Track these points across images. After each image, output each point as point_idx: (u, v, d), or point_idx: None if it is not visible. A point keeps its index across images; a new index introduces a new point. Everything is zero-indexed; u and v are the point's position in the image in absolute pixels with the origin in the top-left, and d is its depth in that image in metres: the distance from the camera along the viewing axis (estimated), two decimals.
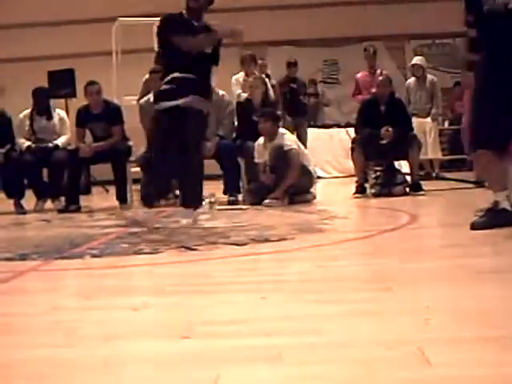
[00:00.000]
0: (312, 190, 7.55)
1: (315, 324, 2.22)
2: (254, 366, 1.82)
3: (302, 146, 7.67)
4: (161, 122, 5.69)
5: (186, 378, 1.76)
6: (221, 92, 8.19)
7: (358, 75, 10.60)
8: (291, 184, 7.21)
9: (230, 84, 9.41)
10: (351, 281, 3.04)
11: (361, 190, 7.90)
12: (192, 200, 5.82)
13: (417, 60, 10.70)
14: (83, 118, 8.21)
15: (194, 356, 1.94)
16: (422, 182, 8.07)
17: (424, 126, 10.25)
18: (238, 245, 4.24)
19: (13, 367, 1.94)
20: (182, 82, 5.59)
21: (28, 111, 8.58)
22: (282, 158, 7.20)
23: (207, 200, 7.46)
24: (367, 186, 7.97)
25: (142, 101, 8.41)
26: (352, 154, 8.19)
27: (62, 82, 12.12)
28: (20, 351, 2.10)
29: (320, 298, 2.61)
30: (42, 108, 8.55)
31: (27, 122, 8.51)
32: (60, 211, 7.75)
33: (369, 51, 10.58)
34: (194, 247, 4.20)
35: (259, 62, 10.38)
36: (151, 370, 1.84)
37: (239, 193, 7.86)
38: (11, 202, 8.25)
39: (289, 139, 7.45)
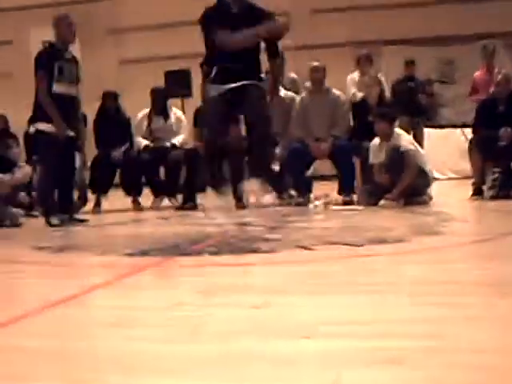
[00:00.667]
0: (428, 191, 7.45)
1: (435, 327, 2.19)
2: (374, 368, 1.81)
3: (418, 147, 7.57)
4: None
5: (305, 377, 1.77)
6: (337, 92, 8.18)
7: (476, 74, 10.38)
8: (407, 185, 7.13)
9: (345, 83, 9.37)
10: (470, 285, 2.98)
11: (478, 191, 7.75)
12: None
13: None
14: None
15: (313, 356, 1.95)
16: None
17: None
18: (354, 245, 4.22)
19: (134, 359, 2.00)
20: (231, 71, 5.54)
21: (146, 111, 8.78)
22: (398, 159, 7.13)
23: (322, 200, 7.49)
24: (485, 187, 7.80)
25: None
26: (469, 155, 8.04)
27: (178, 82, 12.36)
28: (142, 344, 2.15)
29: (439, 301, 2.58)
30: (159, 108, 8.75)
31: (145, 122, 8.72)
32: (177, 209, 7.92)
33: (487, 49, 10.34)
34: (311, 247, 4.21)
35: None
36: (271, 368, 1.85)
37: (354, 193, 7.83)
38: (129, 199, 8.48)
39: (405, 140, 7.37)
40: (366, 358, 1.89)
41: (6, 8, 16.32)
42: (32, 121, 6.71)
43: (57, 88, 6.58)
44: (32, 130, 6.68)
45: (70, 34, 6.82)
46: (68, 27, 6.80)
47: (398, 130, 7.51)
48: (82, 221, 6.77)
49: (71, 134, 6.71)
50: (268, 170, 5.65)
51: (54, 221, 6.54)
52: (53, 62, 6.61)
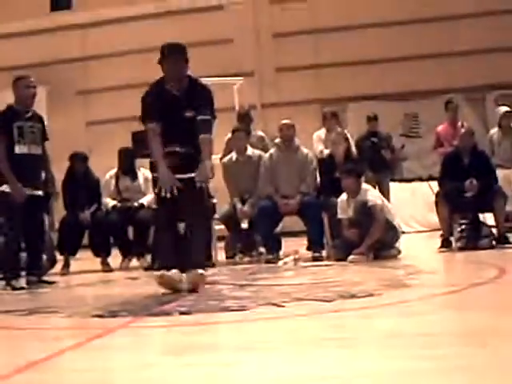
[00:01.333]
0: (397, 245, 7.48)
1: (410, 381, 2.18)
2: None
3: (385, 201, 7.62)
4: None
5: None
6: (305, 150, 8.23)
7: (439, 128, 10.49)
8: (376, 239, 7.15)
9: (312, 140, 9.45)
10: (443, 336, 2.98)
11: (446, 243, 7.79)
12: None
13: (507, 109, 10.36)
14: None
15: None
16: (509, 235, 7.91)
17: (509, 177, 10.06)
18: (325, 301, 4.22)
19: None
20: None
21: (114, 171, 8.76)
22: (366, 214, 7.16)
23: (291, 257, 7.49)
24: (452, 239, 7.85)
25: (225, 159, 8.52)
26: (436, 208, 8.10)
27: (145, 142, 12.34)
28: None
29: (413, 354, 2.57)
30: (126, 168, 8.72)
31: (113, 182, 8.69)
32: (146, 269, 7.86)
33: (452, 105, 10.47)
34: (282, 304, 4.20)
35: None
36: None
37: (323, 249, 7.84)
38: (98, 260, 8.42)
39: (372, 195, 7.41)
40: None
41: None
42: None
43: (18, 149, 6.49)
44: None
45: (29, 96, 6.69)
46: (26, 89, 6.69)
47: (365, 186, 7.56)
48: (51, 283, 6.69)
49: (38, 193, 6.63)
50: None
51: (18, 284, 6.42)
52: (11, 123, 6.51)
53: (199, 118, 5.42)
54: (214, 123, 5.57)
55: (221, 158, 8.76)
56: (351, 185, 7.37)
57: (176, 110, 5.43)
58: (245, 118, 9.17)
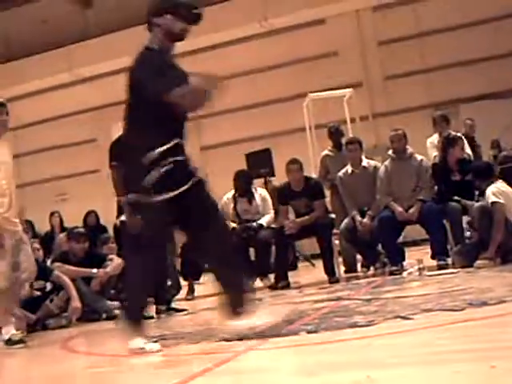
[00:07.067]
0: None
1: None
2: None
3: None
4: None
5: None
6: (419, 157, 8.07)
7: None
8: (501, 242, 6.90)
9: (426, 147, 9.29)
10: None
11: None
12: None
13: None
14: (285, 196, 8.37)
15: None
16: None
17: None
18: (454, 310, 4.10)
19: None
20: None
21: (231, 194, 8.82)
22: (487, 215, 6.93)
23: (416, 267, 7.33)
24: None
25: (340, 173, 8.47)
26: None
27: (259, 162, 12.51)
28: None
29: None
30: (243, 190, 8.77)
31: (231, 205, 8.75)
32: (270, 288, 7.87)
33: None
34: (410, 316, 4.09)
35: (468, 122, 10.60)
36: None
37: (448, 256, 7.64)
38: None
39: (492, 192, 7.09)
40: None
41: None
42: (119, 213, 6.62)
43: None
44: (117, 222, 6.63)
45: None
46: None
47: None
48: (180, 310, 6.78)
49: None
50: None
51: (147, 313, 6.40)
52: None
53: None
54: None
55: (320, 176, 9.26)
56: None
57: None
58: (335, 135, 9.30)
